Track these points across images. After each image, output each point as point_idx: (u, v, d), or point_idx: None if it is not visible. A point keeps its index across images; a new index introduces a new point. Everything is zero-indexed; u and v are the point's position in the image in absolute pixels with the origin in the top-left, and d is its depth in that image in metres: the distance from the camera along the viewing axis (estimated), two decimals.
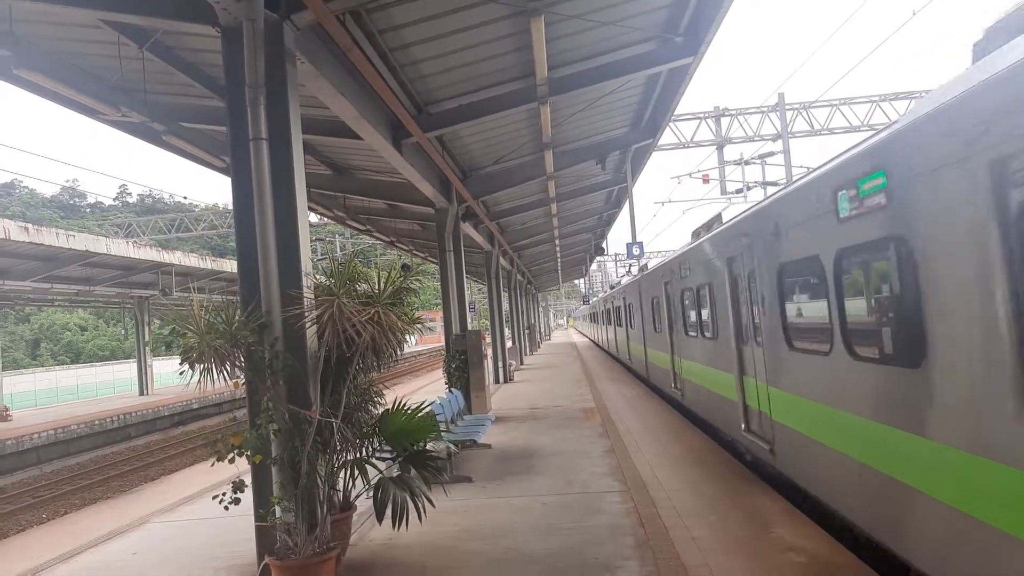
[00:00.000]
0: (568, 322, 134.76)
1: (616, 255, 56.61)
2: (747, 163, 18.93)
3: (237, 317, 5.82)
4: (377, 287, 6.14)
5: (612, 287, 34.79)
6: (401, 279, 6.31)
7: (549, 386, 21.86)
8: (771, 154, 19.66)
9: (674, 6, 9.63)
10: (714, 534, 6.59)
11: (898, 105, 24.90)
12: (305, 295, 5.97)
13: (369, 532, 7.36)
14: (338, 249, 45.39)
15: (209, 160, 12.01)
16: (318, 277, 6.39)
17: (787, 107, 23.62)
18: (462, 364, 14.92)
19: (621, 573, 5.80)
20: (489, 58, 9.95)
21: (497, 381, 23.46)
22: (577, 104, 12.22)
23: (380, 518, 6.14)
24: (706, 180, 23.06)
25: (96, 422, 23.79)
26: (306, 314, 5.87)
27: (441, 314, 16.98)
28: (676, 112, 15.05)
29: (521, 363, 32.00)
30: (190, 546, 7.60)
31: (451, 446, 8.85)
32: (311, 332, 5.95)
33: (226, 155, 10.63)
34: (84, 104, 8.94)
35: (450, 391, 13.70)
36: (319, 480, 5.87)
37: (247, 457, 5.66)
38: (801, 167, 20.84)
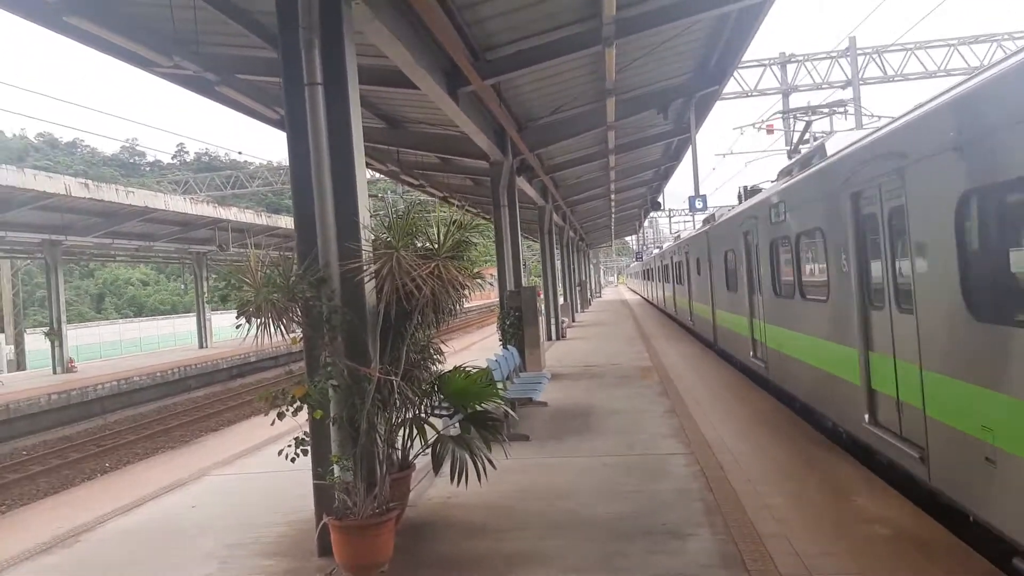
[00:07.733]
0: (619, 279, 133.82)
1: (670, 211, 55.51)
2: (815, 111, 17.90)
3: (294, 271, 5.63)
4: (437, 240, 5.87)
5: (673, 240, 33.35)
6: (461, 231, 6.02)
7: (603, 344, 21.58)
8: (841, 102, 18.64)
9: None
10: (789, 502, 6.26)
11: (977, 49, 23.41)
12: (364, 248, 5.73)
13: (427, 491, 7.23)
14: (389, 206, 45.42)
15: (263, 112, 11.85)
16: (375, 231, 6.13)
17: (859, 52, 22.35)
18: (516, 321, 14.69)
19: (692, 541, 5.52)
20: None
21: (550, 338, 23.26)
22: (642, 48, 11.60)
23: (437, 469, 6.02)
24: (771, 130, 22.11)
25: (157, 374, 24.39)
26: (364, 268, 5.63)
27: (493, 271, 16.71)
28: None
29: (573, 320, 31.74)
30: (248, 500, 7.60)
31: (510, 410, 8.61)
32: (369, 287, 5.73)
33: (280, 107, 10.44)
34: (136, 53, 8.77)
35: (505, 348, 13.50)
36: (379, 439, 5.70)
37: (307, 411, 5.50)
38: (873, 116, 19.75)
